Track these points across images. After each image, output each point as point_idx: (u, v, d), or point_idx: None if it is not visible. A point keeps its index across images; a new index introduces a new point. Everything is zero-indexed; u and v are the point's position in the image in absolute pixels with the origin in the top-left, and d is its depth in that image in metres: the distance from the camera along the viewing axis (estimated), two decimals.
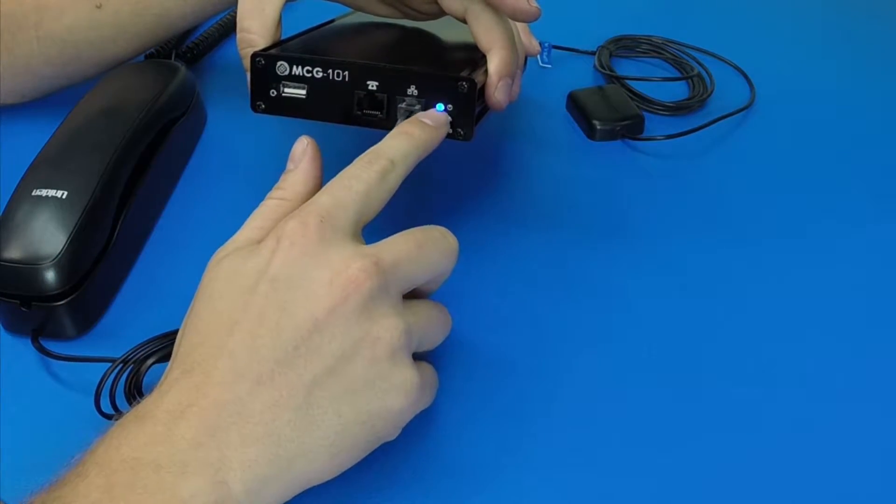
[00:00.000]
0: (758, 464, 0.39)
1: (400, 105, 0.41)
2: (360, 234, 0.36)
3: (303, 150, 0.39)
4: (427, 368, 0.36)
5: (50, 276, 0.41)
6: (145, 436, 0.30)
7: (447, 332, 0.38)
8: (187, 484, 0.29)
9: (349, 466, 0.33)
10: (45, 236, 0.41)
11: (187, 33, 0.66)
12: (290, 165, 0.39)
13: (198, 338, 0.32)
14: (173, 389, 0.31)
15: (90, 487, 0.29)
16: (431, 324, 0.36)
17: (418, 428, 0.37)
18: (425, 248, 0.36)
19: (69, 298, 0.41)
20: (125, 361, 0.38)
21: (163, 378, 0.33)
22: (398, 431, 0.34)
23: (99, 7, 0.53)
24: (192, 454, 0.30)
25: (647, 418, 0.40)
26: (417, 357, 0.35)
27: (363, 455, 0.33)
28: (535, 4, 0.42)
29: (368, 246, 0.34)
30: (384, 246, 0.35)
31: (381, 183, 0.36)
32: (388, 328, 0.33)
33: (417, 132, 0.39)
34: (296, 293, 0.32)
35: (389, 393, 0.33)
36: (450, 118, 0.41)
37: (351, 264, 0.33)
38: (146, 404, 0.31)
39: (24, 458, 0.36)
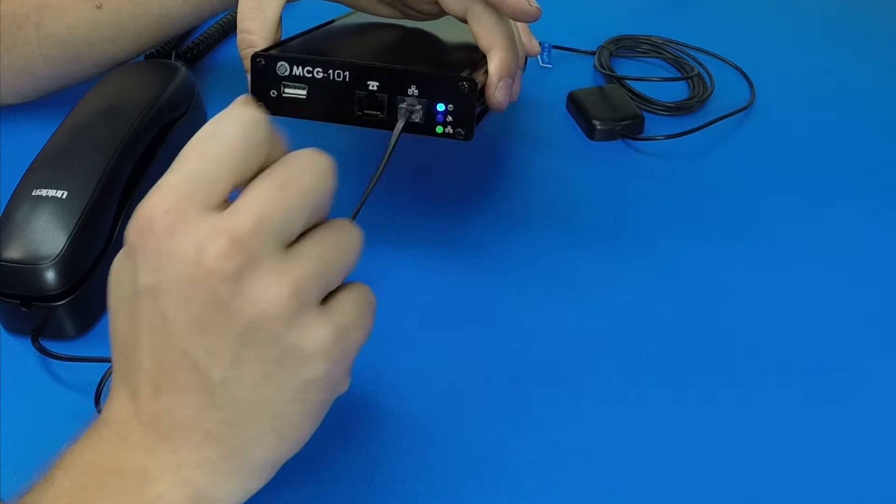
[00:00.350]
0: (756, 463, 0.39)
1: (400, 105, 0.41)
2: (227, 200, 0.30)
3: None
4: (346, 303, 0.31)
5: (50, 275, 0.41)
6: (104, 443, 0.30)
7: (356, 249, 0.32)
8: (151, 487, 0.29)
9: (309, 434, 0.31)
10: (45, 236, 0.41)
11: (187, 33, 0.66)
12: None
13: (116, 350, 0.32)
14: (114, 400, 0.31)
15: (58, 493, 0.29)
16: (330, 256, 0.31)
17: (413, 427, 0.37)
18: (291, 185, 0.30)
19: (69, 298, 0.41)
20: None
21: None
22: (345, 383, 0.32)
23: (99, 7, 0.53)
24: (149, 459, 0.30)
25: (647, 418, 0.40)
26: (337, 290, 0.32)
27: (318, 422, 0.31)
28: (535, 5, 0.42)
29: (223, 213, 0.29)
30: (241, 204, 0.30)
31: (245, 138, 0.30)
32: (272, 300, 0.29)
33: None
34: (168, 299, 0.29)
35: (305, 363, 0.30)
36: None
37: (206, 251, 0.28)
38: (103, 412, 0.31)
39: (24, 458, 0.36)
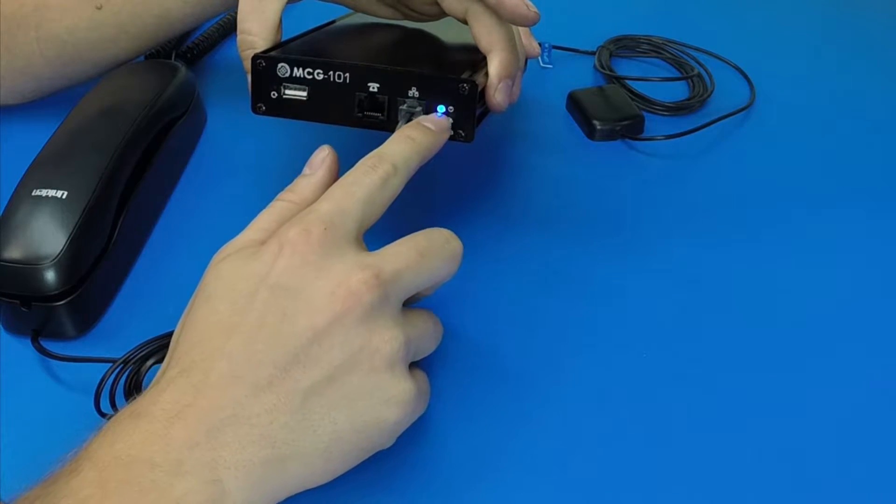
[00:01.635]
0: (757, 464, 0.39)
1: (401, 107, 0.41)
2: (362, 239, 0.36)
3: (322, 160, 0.39)
4: (421, 376, 0.36)
5: (50, 276, 0.41)
6: (140, 433, 0.30)
7: (439, 342, 0.38)
8: (181, 482, 0.29)
9: (343, 472, 0.33)
10: (45, 236, 0.41)
11: (187, 33, 0.66)
12: (306, 170, 0.39)
13: (196, 337, 0.33)
14: (170, 388, 0.31)
15: (83, 483, 0.29)
16: (427, 334, 0.37)
17: (414, 428, 0.37)
18: (427, 256, 0.35)
19: (69, 298, 0.41)
20: (125, 362, 0.39)
21: (158, 375, 0.33)
22: (393, 440, 0.34)
23: (99, 8, 0.53)
24: (187, 453, 0.30)
25: (646, 418, 0.40)
26: (410, 366, 0.35)
27: (358, 461, 0.33)
28: (533, 9, 0.42)
29: (370, 254, 0.34)
30: (386, 255, 0.34)
31: (382, 188, 0.36)
32: (388, 340, 0.33)
33: (419, 136, 0.39)
34: (296, 302, 0.32)
35: (386, 404, 0.33)
36: (451, 121, 0.41)
37: (352, 276, 0.33)
38: (142, 402, 0.31)
39: (24, 458, 0.36)
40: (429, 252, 0.36)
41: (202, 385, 0.31)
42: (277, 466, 0.31)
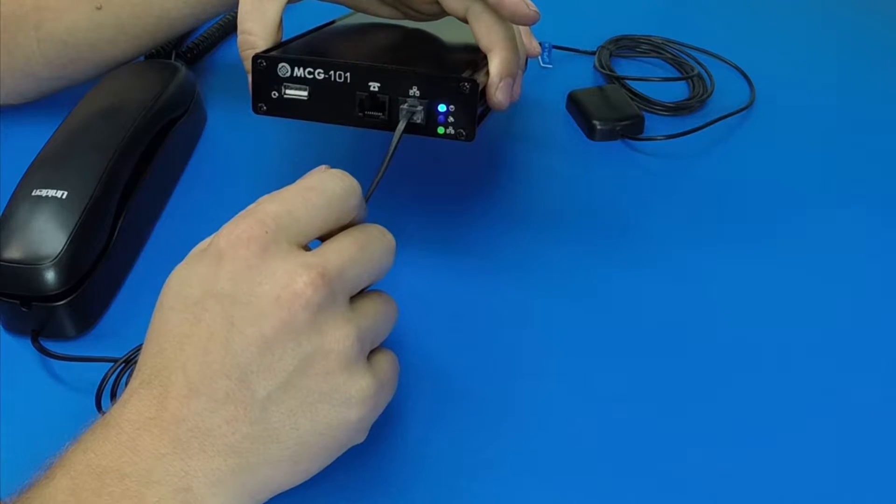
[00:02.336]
0: (757, 464, 0.39)
1: (402, 106, 0.41)
2: (307, 245, 0.34)
3: None
4: (384, 361, 0.35)
5: (50, 276, 0.41)
6: (110, 443, 0.30)
7: (395, 321, 0.37)
8: (152, 491, 0.29)
9: (317, 471, 0.33)
10: (45, 236, 0.41)
11: (187, 33, 0.66)
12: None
13: (154, 347, 0.32)
14: (134, 399, 0.31)
15: (56, 490, 0.29)
16: (380, 320, 0.35)
17: (416, 427, 0.37)
18: (368, 249, 0.34)
19: (69, 298, 0.41)
20: (127, 361, 0.39)
21: (127, 385, 0.33)
22: (364, 435, 0.34)
23: (99, 9, 0.53)
24: (155, 463, 0.30)
25: (646, 418, 0.40)
26: (374, 351, 0.35)
27: (330, 460, 0.33)
28: (533, 8, 0.42)
29: (312, 253, 0.33)
30: (328, 252, 0.33)
31: (344, 200, 0.35)
32: (339, 339, 0.32)
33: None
34: (243, 310, 0.31)
35: (346, 404, 0.32)
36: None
37: (296, 278, 0.31)
38: (112, 412, 0.31)
39: (24, 458, 0.36)
40: (368, 245, 0.35)
41: (163, 397, 0.31)
42: (248, 473, 0.31)
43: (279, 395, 0.31)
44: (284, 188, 0.35)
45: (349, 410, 0.32)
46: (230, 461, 0.30)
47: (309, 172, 0.36)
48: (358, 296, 0.35)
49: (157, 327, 0.33)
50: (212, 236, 0.34)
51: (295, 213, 0.33)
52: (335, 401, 0.32)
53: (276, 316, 0.31)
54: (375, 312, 0.35)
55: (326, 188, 0.35)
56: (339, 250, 0.34)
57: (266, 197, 0.34)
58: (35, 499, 0.29)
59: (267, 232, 0.32)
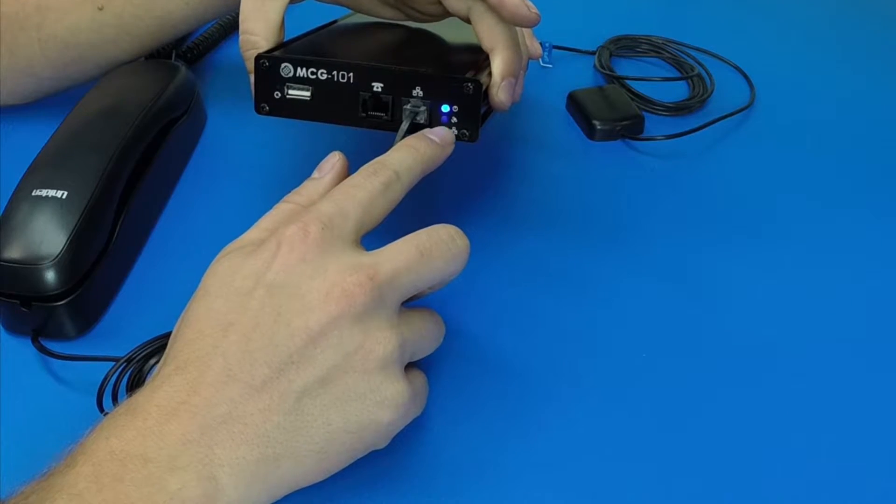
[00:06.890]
0: (757, 464, 0.39)
1: (405, 106, 0.41)
2: (360, 242, 0.36)
3: (332, 165, 0.39)
4: (418, 378, 0.36)
5: (50, 276, 0.41)
6: (135, 429, 0.30)
7: (440, 343, 0.38)
8: (175, 477, 0.29)
9: (337, 470, 0.33)
10: (45, 236, 0.41)
11: (187, 33, 0.66)
12: (315, 174, 0.39)
13: (192, 334, 0.33)
14: (166, 385, 0.31)
15: (78, 477, 0.29)
16: (425, 335, 0.36)
17: (413, 427, 0.37)
18: (428, 255, 0.35)
19: (69, 298, 0.41)
20: (128, 360, 0.39)
21: (156, 372, 0.33)
22: (388, 441, 0.34)
23: (101, 9, 0.53)
24: (181, 449, 0.30)
25: (646, 419, 0.40)
26: (408, 365, 0.35)
27: (352, 460, 0.33)
28: (534, 10, 0.42)
29: (368, 254, 0.34)
30: (384, 255, 0.34)
31: (384, 193, 0.37)
32: (382, 341, 0.33)
33: (423, 147, 0.39)
34: (291, 302, 0.32)
35: (379, 406, 0.33)
36: (455, 134, 0.41)
37: (347, 277, 0.33)
38: (138, 398, 0.31)
39: (24, 458, 0.36)
40: (430, 251, 0.35)
41: (197, 383, 0.31)
42: (271, 465, 0.31)
43: (315, 389, 0.32)
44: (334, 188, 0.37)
45: (382, 412, 0.33)
46: (255, 451, 0.30)
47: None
48: (411, 308, 0.36)
49: (200, 314, 0.33)
50: (254, 230, 0.36)
51: (348, 211, 0.35)
52: (370, 401, 0.32)
53: (323, 310, 0.32)
54: (422, 328, 0.36)
55: (368, 185, 0.36)
56: (397, 254, 0.34)
57: (322, 198, 0.36)
58: (54, 485, 0.29)
59: (324, 229, 0.34)
